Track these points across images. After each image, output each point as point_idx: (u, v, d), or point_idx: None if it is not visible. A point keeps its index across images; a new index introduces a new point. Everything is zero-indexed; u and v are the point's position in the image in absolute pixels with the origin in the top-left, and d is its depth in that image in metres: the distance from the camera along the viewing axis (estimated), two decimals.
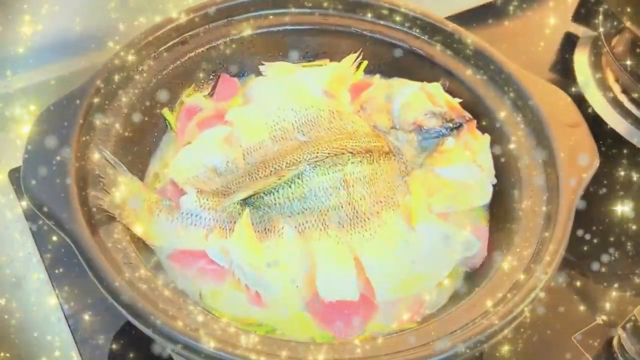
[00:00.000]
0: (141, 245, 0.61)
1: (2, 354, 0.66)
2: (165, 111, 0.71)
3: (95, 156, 0.61)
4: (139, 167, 0.67)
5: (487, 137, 0.70)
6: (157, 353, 0.61)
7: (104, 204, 0.59)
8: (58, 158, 0.59)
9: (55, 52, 0.81)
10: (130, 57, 0.67)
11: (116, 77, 0.66)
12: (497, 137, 0.70)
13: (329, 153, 0.64)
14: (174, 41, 0.71)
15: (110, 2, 0.79)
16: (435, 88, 0.73)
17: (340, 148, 0.65)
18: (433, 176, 0.67)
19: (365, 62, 0.77)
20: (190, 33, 0.72)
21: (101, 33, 0.80)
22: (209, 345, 0.50)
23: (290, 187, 0.63)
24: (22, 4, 0.76)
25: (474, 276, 0.64)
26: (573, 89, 0.87)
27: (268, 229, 0.62)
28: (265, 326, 0.59)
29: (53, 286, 0.70)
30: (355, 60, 0.76)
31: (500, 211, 0.67)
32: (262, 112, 0.69)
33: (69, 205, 0.57)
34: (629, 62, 0.87)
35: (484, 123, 0.72)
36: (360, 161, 0.65)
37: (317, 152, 0.64)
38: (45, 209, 0.57)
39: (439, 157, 0.69)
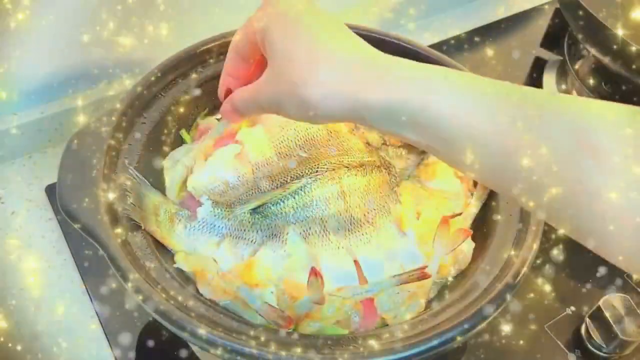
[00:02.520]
0: (163, 250, 0.62)
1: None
2: (183, 132, 0.72)
3: (122, 173, 0.62)
4: (161, 181, 0.68)
5: None
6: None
7: (131, 215, 0.60)
8: (89, 175, 0.60)
9: (82, 81, 0.81)
10: (151, 85, 0.69)
11: (138, 103, 0.67)
12: None
13: (327, 167, 0.66)
14: (190, 70, 0.72)
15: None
16: None
17: (337, 163, 0.66)
18: (420, 187, 0.68)
19: None
20: (204, 63, 0.73)
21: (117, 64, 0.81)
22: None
23: (294, 198, 0.64)
24: None
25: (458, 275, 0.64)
26: None
27: (275, 235, 0.63)
28: None
29: (86, 287, 0.70)
30: None
31: (480, 217, 0.68)
32: (268, 132, 0.70)
33: (99, 216, 0.58)
34: (590, 82, 0.88)
35: None
36: (355, 174, 0.66)
37: (317, 167, 0.65)
38: (79, 221, 0.58)
39: (424, 170, 0.69)
